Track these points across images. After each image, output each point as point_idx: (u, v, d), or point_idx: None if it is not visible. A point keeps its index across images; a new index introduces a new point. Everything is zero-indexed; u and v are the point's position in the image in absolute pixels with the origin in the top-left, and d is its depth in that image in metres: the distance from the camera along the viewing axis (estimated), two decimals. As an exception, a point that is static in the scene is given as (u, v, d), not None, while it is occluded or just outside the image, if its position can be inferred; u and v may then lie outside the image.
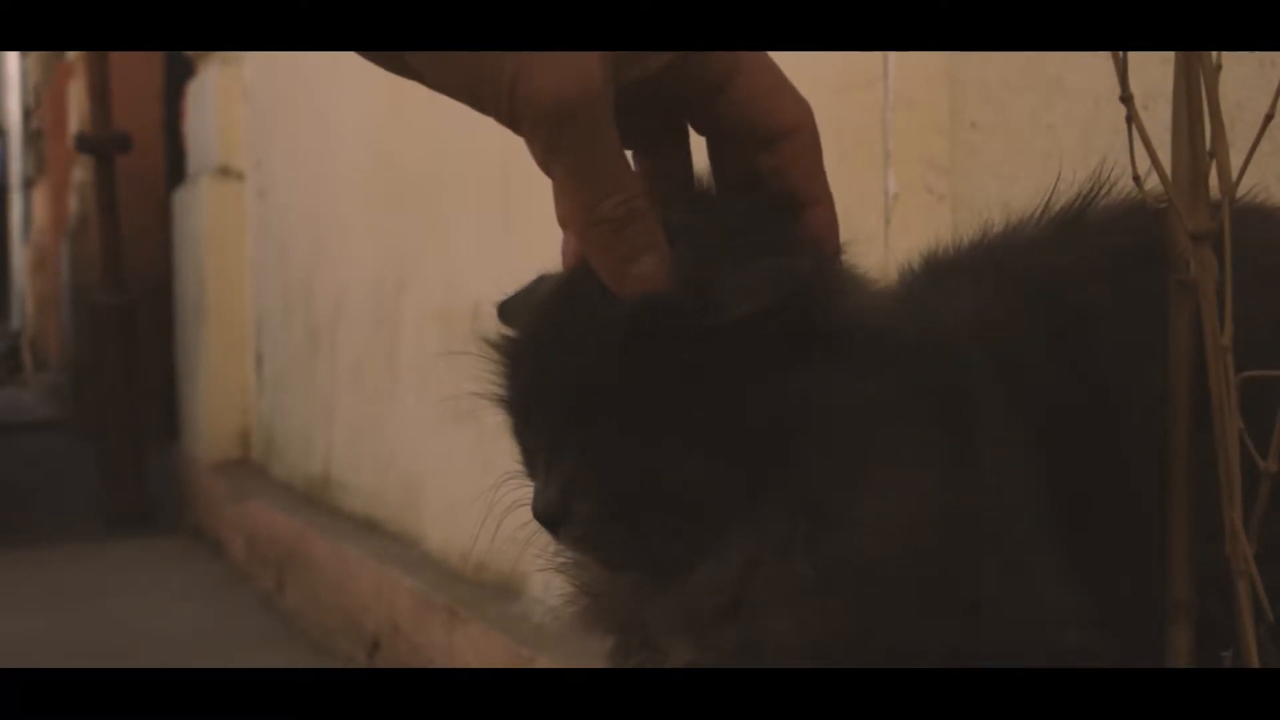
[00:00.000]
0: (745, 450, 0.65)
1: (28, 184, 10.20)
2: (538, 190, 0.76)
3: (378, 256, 2.99)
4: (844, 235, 0.73)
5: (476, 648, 2.15)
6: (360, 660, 2.67)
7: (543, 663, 1.90)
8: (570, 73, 0.60)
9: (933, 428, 0.66)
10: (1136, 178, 0.57)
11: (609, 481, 0.67)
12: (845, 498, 0.65)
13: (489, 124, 0.67)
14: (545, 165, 0.64)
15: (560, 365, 0.67)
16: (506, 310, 0.74)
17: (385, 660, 2.57)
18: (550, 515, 0.68)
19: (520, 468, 0.73)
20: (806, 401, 0.65)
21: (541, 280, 0.73)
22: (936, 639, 0.65)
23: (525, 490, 0.72)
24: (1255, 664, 0.54)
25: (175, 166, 4.91)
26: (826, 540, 0.65)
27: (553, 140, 0.62)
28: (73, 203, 7.23)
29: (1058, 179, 0.71)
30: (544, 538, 0.70)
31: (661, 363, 0.65)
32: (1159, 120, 0.66)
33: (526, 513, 0.71)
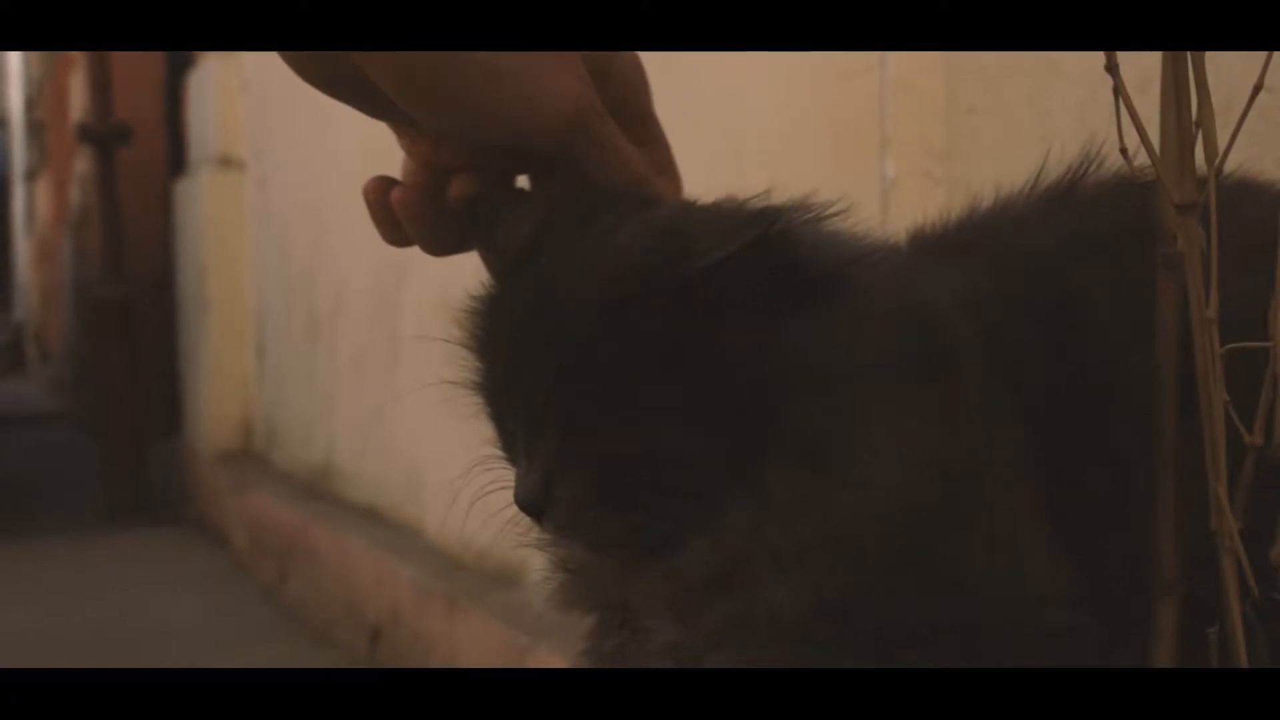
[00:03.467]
0: (736, 414, 0.64)
1: (30, 176, 10.19)
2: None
3: (378, 247, 2.98)
4: (842, 220, 0.73)
5: (477, 636, 2.15)
6: (361, 649, 2.67)
7: (542, 650, 1.90)
8: (568, 85, 0.69)
9: (925, 389, 0.65)
10: (1123, 149, 0.57)
11: (594, 461, 0.65)
12: (847, 456, 0.63)
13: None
14: (579, 157, 0.70)
15: (537, 342, 0.66)
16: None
17: (386, 649, 2.57)
18: (533, 502, 0.66)
19: (498, 453, 0.71)
20: (796, 358, 0.64)
21: (521, 216, 0.71)
22: (921, 613, 0.64)
23: (504, 472, 0.70)
24: (1240, 641, 0.54)
25: (177, 158, 4.91)
26: (834, 500, 0.63)
27: (583, 133, 0.70)
28: (75, 194, 7.23)
29: (1047, 156, 0.71)
30: (527, 522, 0.68)
31: (641, 330, 0.64)
32: (1155, 102, 0.65)
33: (508, 496, 0.69)
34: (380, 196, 0.76)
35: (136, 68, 5.26)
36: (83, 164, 6.35)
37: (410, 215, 0.75)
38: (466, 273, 0.76)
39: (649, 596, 0.68)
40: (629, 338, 0.64)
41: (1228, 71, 0.77)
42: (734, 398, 0.64)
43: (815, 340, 0.64)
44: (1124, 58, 0.61)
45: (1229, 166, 0.64)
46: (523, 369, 0.67)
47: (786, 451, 0.64)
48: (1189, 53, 0.53)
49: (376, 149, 3.13)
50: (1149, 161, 0.55)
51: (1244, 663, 0.54)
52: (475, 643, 2.16)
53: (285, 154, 3.75)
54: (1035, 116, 1.31)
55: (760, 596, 0.64)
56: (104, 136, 4.51)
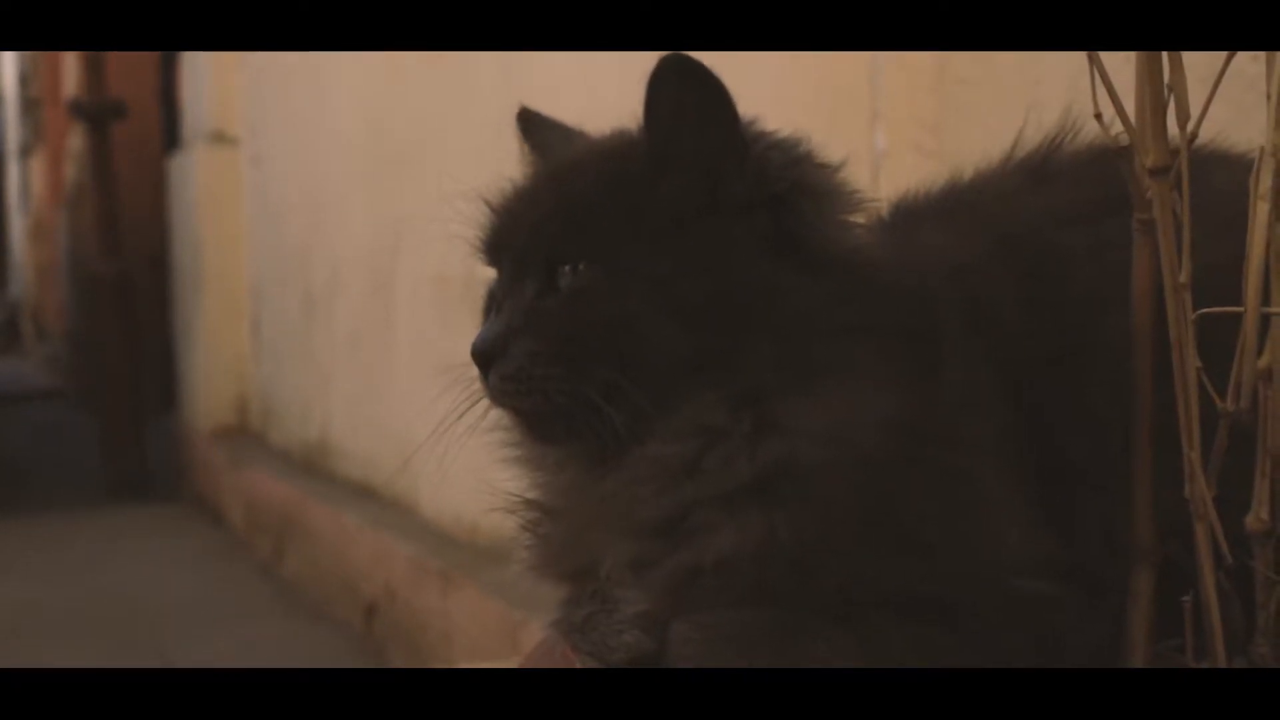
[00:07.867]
0: (702, 325, 0.66)
1: (25, 152, 10.16)
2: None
3: (373, 223, 2.98)
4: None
5: (471, 612, 2.16)
6: (357, 625, 2.68)
7: (536, 625, 1.90)
8: None
9: (895, 360, 0.66)
10: (1098, 115, 0.57)
11: (557, 323, 0.67)
12: (791, 404, 0.65)
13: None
14: None
15: (536, 197, 0.71)
16: (529, 119, 0.78)
17: (382, 625, 2.58)
18: (486, 350, 0.68)
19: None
20: (772, 297, 0.66)
21: (582, 138, 0.76)
22: (890, 577, 0.64)
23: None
24: (1215, 609, 0.54)
25: (171, 134, 4.90)
26: (768, 442, 0.65)
27: None
28: (70, 171, 7.21)
29: (1023, 126, 0.71)
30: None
31: (627, 203, 0.67)
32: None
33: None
34: None
35: (130, 44, 5.23)
36: (77, 140, 6.33)
37: None
38: (461, 250, 0.77)
39: (611, 549, 0.69)
40: (615, 206, 0.67)
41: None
42: (704, 309, 0.66)
43: (795, 291, 0.66)
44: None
45: (1208, 139, 0.63)
46: (519, 219, 0.71)
47: (735, 383, 0.66)
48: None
49: (372, 125, 3.10)
50: (1125, 128, 0.55)
51: (1218, 629, 0.54)
52: (470, 618, 2.16)
53: (280, 130, 3.74)
54: (1026, 88, 1.30)
55: (706, 542, 0.65)
56: (98, 112, 4.49)
